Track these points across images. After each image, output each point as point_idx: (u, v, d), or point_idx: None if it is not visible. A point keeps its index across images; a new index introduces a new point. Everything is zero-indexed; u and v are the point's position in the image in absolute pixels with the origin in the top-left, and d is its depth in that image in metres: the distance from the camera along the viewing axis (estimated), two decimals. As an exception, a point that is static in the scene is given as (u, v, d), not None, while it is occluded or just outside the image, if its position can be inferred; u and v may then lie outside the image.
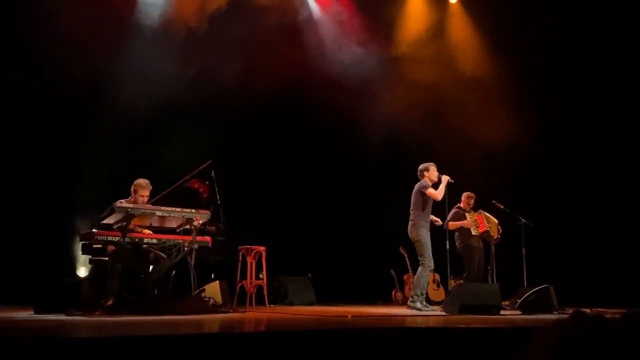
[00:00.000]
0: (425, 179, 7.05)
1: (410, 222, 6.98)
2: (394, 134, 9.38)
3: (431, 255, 6.84)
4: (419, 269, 6.89)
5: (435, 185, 7.06)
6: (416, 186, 7.06)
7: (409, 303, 6.87)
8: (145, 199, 5.91)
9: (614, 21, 8.64)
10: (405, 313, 6.50)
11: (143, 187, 5.91)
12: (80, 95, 7.98)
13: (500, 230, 8.03)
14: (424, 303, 6.81)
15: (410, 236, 6.99)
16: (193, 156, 7.26)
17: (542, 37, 8.86)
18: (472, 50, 9.93)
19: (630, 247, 8.34)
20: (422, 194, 6.95)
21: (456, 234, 8.03)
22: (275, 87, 8.80)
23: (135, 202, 5.84)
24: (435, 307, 7.03)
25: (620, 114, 8.82)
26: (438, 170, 7.14)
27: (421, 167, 7.14)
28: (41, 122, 7.80)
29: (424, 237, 6.85)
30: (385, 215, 8.01)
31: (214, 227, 6.38)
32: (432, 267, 6.90)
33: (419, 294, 6.81)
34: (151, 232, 5.82)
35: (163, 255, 5.67)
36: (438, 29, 10.16)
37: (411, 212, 7.01)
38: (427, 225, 6.93)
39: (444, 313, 6.22)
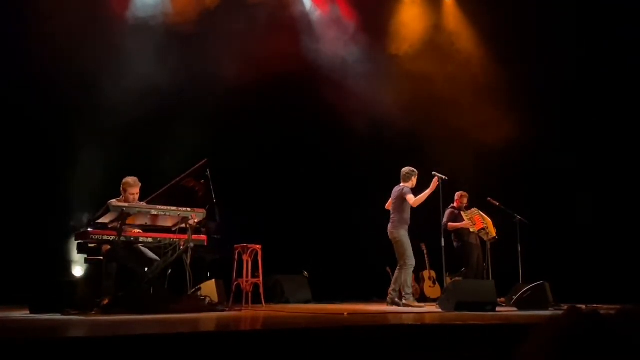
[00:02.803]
0: (409, 183, 7.43)
1: (390, 224, 7.36)
2: (389, 131, 9.39)
3: (412, 253, 7.25)
4: (402, 268, 7.20)
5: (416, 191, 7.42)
6: (397, 191, 7.41)
7: (403, 302, 7.09)
8: (136, 197, 5.90)
9: (613, 19, 8.65)
10: (402, 311, 6.52)
11: (132, 185, 5.89)
12: (75, 95, 7.95)
13: (495, 231, 8.05)
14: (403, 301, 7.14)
15: (390, 236, 7.33)
16: (188, 155, 7.25)
17: (540, 34, 8.87)
18: (467, 48, 9.94)
19: (625, 243, 8.37)
20: (404, 199, 7.30)
21: (453, 233, 8.05)
22: (271, 84, 8.79)
23: (125, 200, 5.82)
24: (422, 304, 7.30)
25: (618, 111, 8.83)
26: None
27: (407, 170, 7.50)
28: (36, 122, 7.77)
29: (404, 236, 7.26)
30: (381, 213, 8.00)
31: (204, 229, 6.37)
32: (414, 264, 7.30)
33: (409, 292, 7.16)
34: (141, 232, 5.80)
35: (156, 257, 5.66)
36: (433, 27, 10.17)
37: (392, 215, 7.38)
38: (407, 226, 7.35)
39: (440, 310, 6.23)
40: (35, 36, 7.55)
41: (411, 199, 7.23)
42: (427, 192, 7.20)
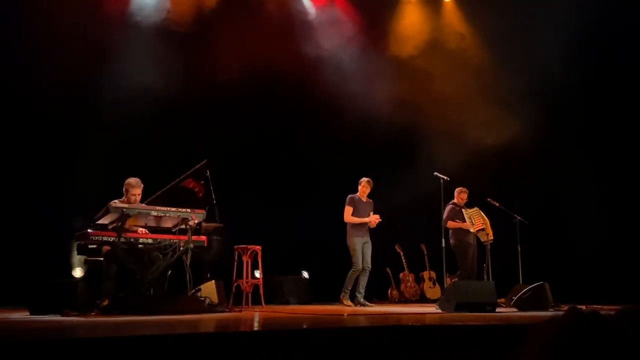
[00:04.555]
0: (355, 194, 7.83)
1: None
2: (390, 131, 9.40)
3: (360, 259, 7.64)
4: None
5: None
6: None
7: (341, 298, 7.65)
8: (138, 198, 5.90)
9: (612, 20, 8.66)
10: (402, 311, 6.52)
11: (134, 185, 5.89)
12: (75, 96, 7.95)
13: (492, 232, 8.04)
14: (348, 299, 7.66)
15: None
16: (188, 155, 7.25)
17: (540, 35, 8.88)
18: (468, 49, 9.94)
19: (625, 243, 8.37)
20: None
21: (451, 230, 8.03)
22: (271, 84, 8.80)
23: (128, 201, 5.82)
24: (351, 303, 7.66)
25: (619, 110, 8.84)
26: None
27: (361, 179, 7.87)
28: (36, 122, 7.78)
29: (355, 244, 7.66)
30: (381, 214, 8.00)
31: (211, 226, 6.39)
32: (360, 269, 7.65)
33: (346, 291, 7.64)
34: (147, 232, 5.81)
35: (159, 254, 5.66)
36: (432, 27, 10.18)
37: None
38: (359, 232, 7.71)
39: (440, 310, 6.23)
40: (33, 36, 7.56)
41: (348, 211, 7.72)
42: (359, 220, 7.67)
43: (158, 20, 8.67)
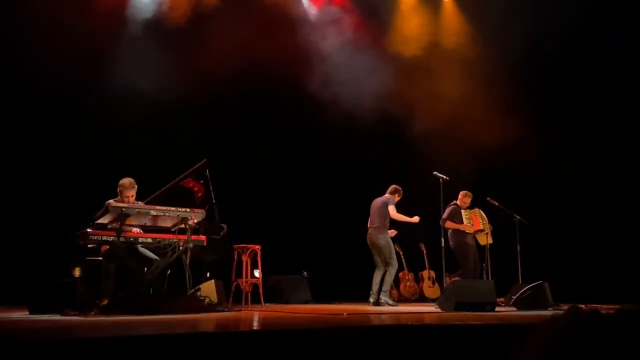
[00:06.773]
0: (395, 196, 7.92)
1: (374, 230, 7.84)
2: (390, 131, 9.40)
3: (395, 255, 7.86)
4: (388, 269, 7.73)
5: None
6: (382, 200, 7.90)
7: (382, 300, 7.60)
8: (132, 199, 5.83)
9: (612, 19, 8.66)
10: (401, 311, 6.52)
11: (127, 187, 5.83)
12: (73, 95, 7.94)
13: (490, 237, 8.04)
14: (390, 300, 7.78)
15: (375, 242, 7.82)
16: (188, 154, 7.24)
17: (540, 35, 8.88)
18: (467, 48, 9.94)
19: (625, 243, 8.38)
20: (387, 207, 7.76)
21: (450, 231, 8.02)
22: (270, 83, 8.78)
23: (122, 202, 5.77)
24: (397, 303, 7.83)
25: (618, 110, 8.84)
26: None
27: (393, 187, 7.98)
28: (35, 122, 7.77)
29: (389, 241, 7.82)
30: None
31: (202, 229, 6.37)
32: (397, 266, 7.86)
33: (387, 290, 7.72)
34: (141, 231, 5.79)
35: (155, 257, 5.65)
36: (432, 26, 10.18)
37: (375, 221, 7.85)
38: (387, 231, 7.85)
39: (439, 310, 6.23)
40: (31, 35, 7.54)
41: (393, 209, 7.74)
42: (403, 217, 7.73)
43: (155, 18, 8.66)
